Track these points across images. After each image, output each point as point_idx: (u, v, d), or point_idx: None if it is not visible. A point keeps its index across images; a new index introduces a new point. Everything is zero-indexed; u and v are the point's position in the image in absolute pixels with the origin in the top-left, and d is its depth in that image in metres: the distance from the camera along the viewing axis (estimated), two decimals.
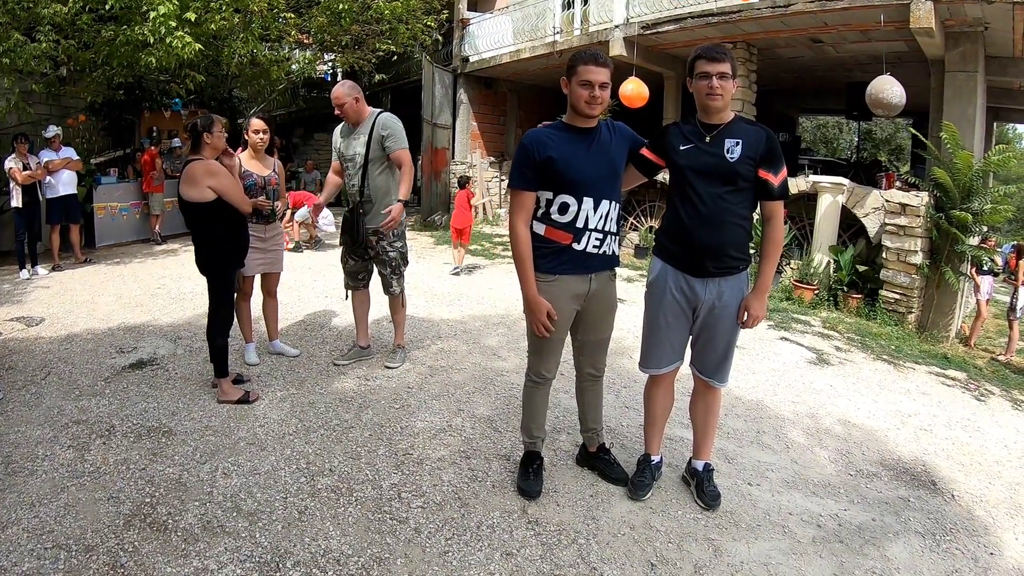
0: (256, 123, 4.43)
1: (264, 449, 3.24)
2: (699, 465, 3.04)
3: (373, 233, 4.23)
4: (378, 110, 4.28)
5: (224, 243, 3.79)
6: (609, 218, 2.76)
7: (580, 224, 2.70)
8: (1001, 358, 7.61)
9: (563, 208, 2.69)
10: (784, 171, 2.68)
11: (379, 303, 4.81)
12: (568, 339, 2.95)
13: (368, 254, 4.36)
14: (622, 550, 2.62)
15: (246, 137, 4.44)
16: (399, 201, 4.11)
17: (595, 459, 3.17)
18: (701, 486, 2.98)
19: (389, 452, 3.28)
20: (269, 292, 4.62)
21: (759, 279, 2.75)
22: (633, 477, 3.01)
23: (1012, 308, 8.22)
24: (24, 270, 7.51)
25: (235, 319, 4.14)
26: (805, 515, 2.98)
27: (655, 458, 3.07)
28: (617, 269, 2.94)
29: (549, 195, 2.71)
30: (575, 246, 2.71)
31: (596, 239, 2.74)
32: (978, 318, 8.65)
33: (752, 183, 2.65)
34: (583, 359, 3.01)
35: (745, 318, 2.74)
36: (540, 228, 2.75)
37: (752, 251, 2.93)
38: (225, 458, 3.13)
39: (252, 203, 4.18)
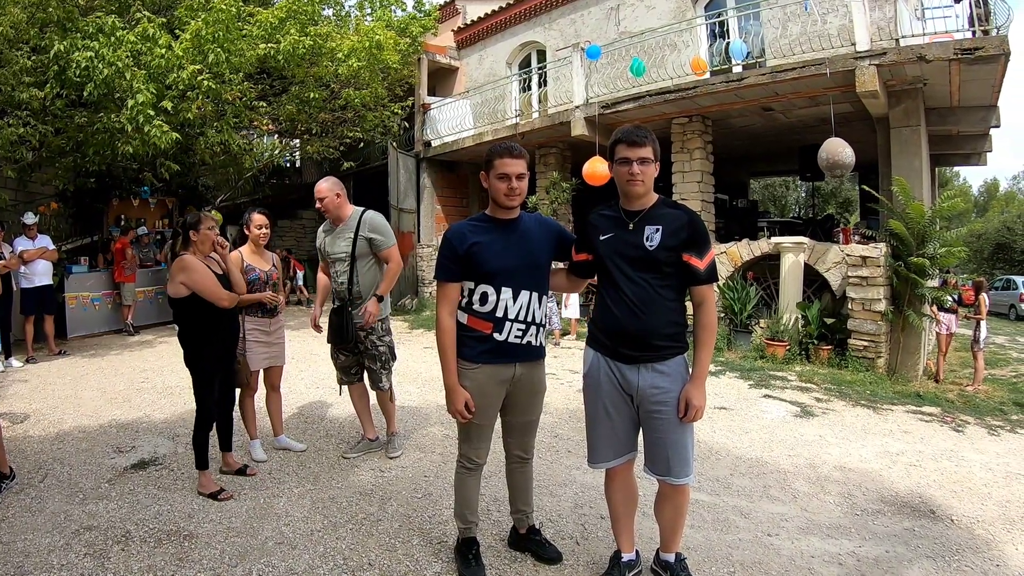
0: (258, 218, 4.43)
1: (295, 548, 3.20)
2: (670, 558, 2.86)
3: (360, 328, 4.25)
4: (362, 208, 4.33)
5: (201, 340, 3.78)
6: (531, 309, 2.78)
7: (500, 314, 2.73)
8: (969, 389, 7.98)
9: (483, 298, 2.74)
10: (711, 254, 2.61)
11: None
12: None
13: (358, 348, 4.36)
14: None
15: (247, 232, 4.45)
16: (375, 296, 4.16)
17: (526, 540, 3.14)
18: None
19: (424, 541, 3.28)
20: (273, 386, 4.59)
21: (696, 367, 2.60)
22: (602, 574, 2.88)
23: (976, 340, 8.67)
24: None
25: (216, 417, 4.02)
26: (826, 556, 3.20)
27: (627, 556, 2.86)
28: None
29: (471, 285, 2.76)
30: (496, 336, 2.74)
31: (518, 330, 2.76)
32: (941, 353, 9.12)
33: (676, 268, 2.57)
34: (511, 440, 3.01)
35: (686, 411, 2.57)
36: (463, 317, 2.78)
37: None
38: (257, 559, 3.08)
39: (258, 297, 4.29)
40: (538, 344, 2.86)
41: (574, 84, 10.67)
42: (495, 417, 2.91)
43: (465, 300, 2.79)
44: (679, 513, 2.76)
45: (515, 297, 2.74)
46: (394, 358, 4.48)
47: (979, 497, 4.01)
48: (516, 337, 2.76)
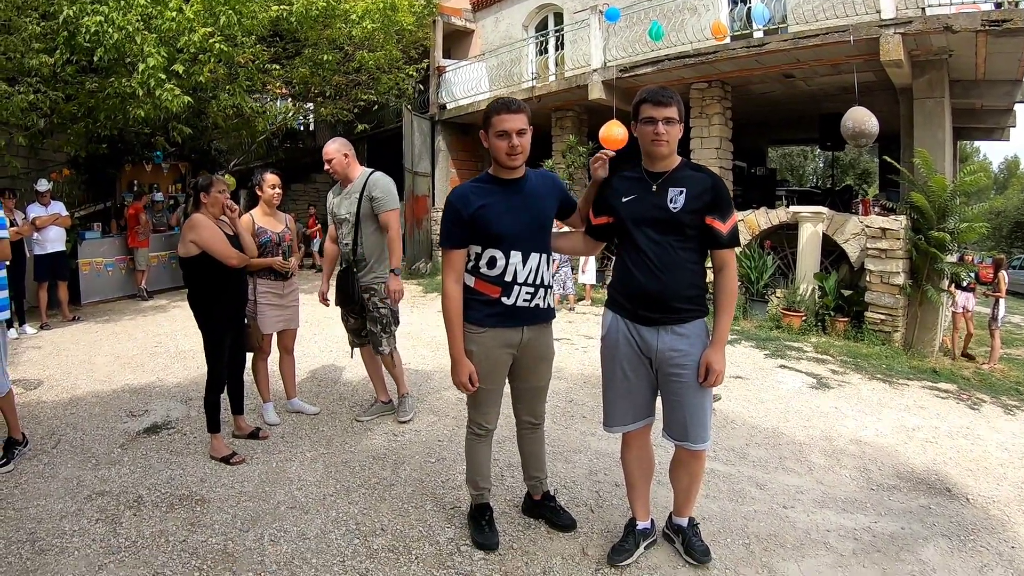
0: (270, 178, 4.34)
1: (307, 512, 3.19)
2: (682, 522, 2.88)
3: (365, 290, 4.19)
4: (370, 170, 4.24)
5: (210, 300, 3.78)
6: (539, 271, 2.71)
7: (509, 278, 2.66)
8: (985, 367, 7.87)
9: (491, 262, 2.66)
10: (734, 218, 2.58)
11: None
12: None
13: (365, 310, 4.31)
14: None
15: (259, 193, 4.36)
16: (392, 272, 4.08)
17: (541, 507, 3.11)
18: (689, 543, 2.81)
19: (437, 507, 3.27)
20: (286, 349, 4.57)
21: (715, 332, 2.58)
22: (617, 542, 2.83)
23: (993, 318, 8.54)
24: (12, 329, 7.28)
25: (225, 379, 3.99)
26: (841, 530, 3.16)
27: (642, 524, 2.85)
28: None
29: (478, 249, 2.68)
30: (505, 300, 2.67)
31: (527, 293, 2.69)
32: (956, 331, 9.00)
33: (698, 231, 2.54)
34: (520, 407, 2.96)
35: (707, 375, 2.55)
36: (470, 280, 2.71)
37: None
38: (269, 524, 3.08)
39: (269, 262, 4.24)
40: (546, 307, 2.80)
41: (592, 47, 10.46)
42: (503, 382, 2.86)
43: (471, 263, 2.72)
44: (694, 480, 2.77)
45: (524, 260, 2.67)
46: (396, 323, 4.37)
47: (995, 477, 3.93)
48: (525, 301, 2.70)
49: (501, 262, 2.66)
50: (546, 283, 2.77)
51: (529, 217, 2.68)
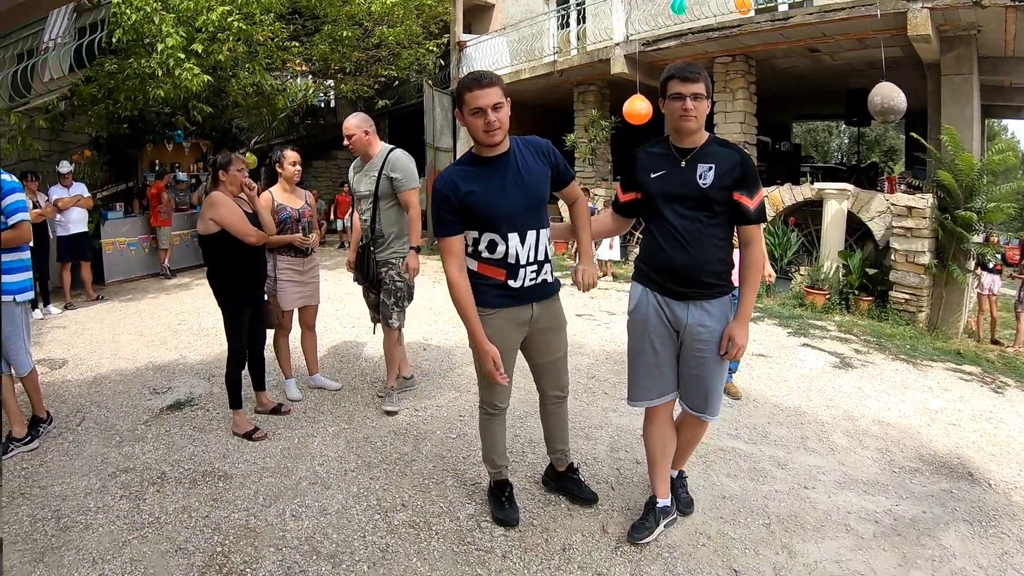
0: (291, 155, 4.32)
1: (329, 488, 3.22)
2: (673, 473, 2.95)
3: (383, 264, 4.15)
4: (390, 147, 4.17)
5: (228, 278, 3.78)
6: (540, 247, 2.65)
7: (512, 260, 2.60)
8: (1010, 350, 7.74)
9: (491, 246, 2.60)
10: (761, 193, 2.58)
11: (412, 327, 4.72)
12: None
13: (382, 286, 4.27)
14: (704, 560, 2.69)
15: (278, 170, 4.34)
16: (412, 249, 4.06)
17: (564, 479, 3.10)
18: (675, 492, 2.93)
19: (458, 483, 3.28)
20: (307, 325, 4.58)
21: (740, 306, 2.59)
22: (637, 519, 2.84)
23: (1019, 300, 8.39)
24: (37, 310, 7.39)
25: (245, 356, 4.01)
26: (862, 513, 3.12)
27: (663, 502, 2.84)
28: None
29: (475, 234, 2.61)
30: (512, 283, 2.62)
31: (531, 272, 2.64)
32: (981, 313, 8.86)
33: (726, 206, 2.54)
34: (546, 382, 2.93)
35: (728, 348, 2.57)
36: (473, 264, 2.65)
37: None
38: (291, 500, 3.10)
39: (288, 239, 4.24)
40: (552, 280, 2.76)
41: (614, 20, 10.35)
42: (514, 361, 2.83)
43: (471, 248, 2.65)
44: (695, 440, 2.92)
45: (523, 241, 2.61)
46: (410, 298, 4.30)
47: (1018, 463, 3.85)
48: (531, 280, 2.67)
49: (501, 247, 2.60)
50: (548, 256, 2.73)
51: (524, 196, 2.59)
